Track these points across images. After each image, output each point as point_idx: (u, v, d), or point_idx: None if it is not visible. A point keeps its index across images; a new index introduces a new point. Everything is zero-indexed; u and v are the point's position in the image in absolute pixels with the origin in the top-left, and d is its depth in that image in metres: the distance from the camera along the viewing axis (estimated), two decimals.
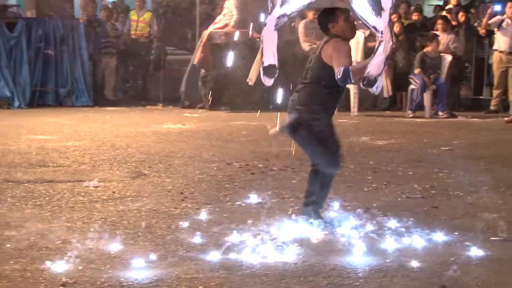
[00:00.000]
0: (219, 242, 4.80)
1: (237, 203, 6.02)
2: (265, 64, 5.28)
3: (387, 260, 4.48)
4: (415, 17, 15.01)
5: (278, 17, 5.27)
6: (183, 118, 12.07)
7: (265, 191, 6.38)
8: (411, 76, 13.23)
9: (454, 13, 14.74)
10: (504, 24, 13.25)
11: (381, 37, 4.94)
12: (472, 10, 15.76)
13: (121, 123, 11.20)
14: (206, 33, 13.91)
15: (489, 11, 13.74)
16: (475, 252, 4.65)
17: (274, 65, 5.25)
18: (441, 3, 18.07)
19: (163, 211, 5.68)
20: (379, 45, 4.95)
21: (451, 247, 4.78)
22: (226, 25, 14.13)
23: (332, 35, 5.25)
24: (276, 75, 5.30)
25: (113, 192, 6.38)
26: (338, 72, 4.96)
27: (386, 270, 4.31)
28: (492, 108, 13.55)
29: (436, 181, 6.85)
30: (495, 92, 13.61)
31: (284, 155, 8.27)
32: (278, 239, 4.85)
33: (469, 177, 6.82)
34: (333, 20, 5.27)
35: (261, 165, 7.75)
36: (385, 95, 11.92)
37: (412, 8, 15.75)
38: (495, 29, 13.40)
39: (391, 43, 4.96)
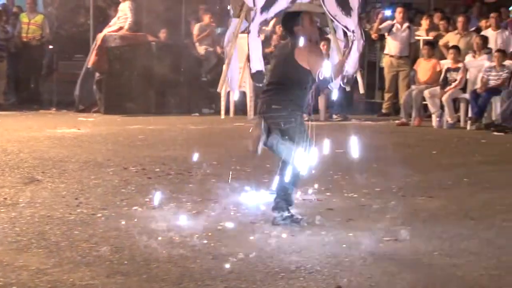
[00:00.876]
0: (116, 248, 4.74)
1: (134, 207, 5.96)
2: (253, 71, 5.36)
3: (283, 262, 4.51)
4: None
5: (260, 23, 5.37)
6: (78, 122, 11.88)
7: (162, 195, 6.34)
8: None
9: None
10: (394, 29, 13.65)
11: (353, 36, 5.18)
12: (363, 15, 16.09)
13: (12, 127, 10.92)
14: (100, 36, 13.72)
15: (380, 16, 14.07)
16: (369, 252, 4.72)
17: (261, 71, 5.35)
18: None
19: (57, 217, 5.57)
20: (352, 44, 5.18)
21: (345, 248, 4.85)
22: (120, 28, 13.98)
23: (298, 38, 5.38)
24: (264, 80, 5.42)
25: (5, 198, 6.22)
26: (320, 74, 5.13)
27: (282, 272, 4.34)
28: (383, 111, 13.86)
29: (331, 183, 6.92)
30: (387, 96, 13.92)
31: (181, 159, 8.28)
32: (176, 243, 4.84)
33: (362, 178, 6.91)
34: (298, 23, 5.42)
35: (158, 169, 7.69)
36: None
37: None
38: (386, 34, 13.76)
39: (362, 41, 5.22)
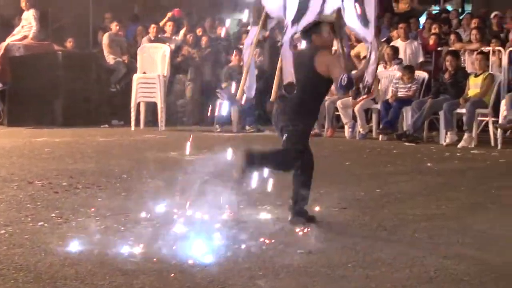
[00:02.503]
0: (20, 265, 4.63)
1: (39, 223, 5.83)
2: (285, 82, 5.58)
3: (195, 278, 4.47)
4: (219, 31, 15.26)
5: (291, 36, 5.62)
6: None
7: (69, 209, 6.25)
8: (218, 91, 13.40)
9: None
10: None
11: (371, 47, 5.52)
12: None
13: None
14: (3, 45, 13.44)
15: None
16: (283, 264, 4.74)
17: (293, 83, 5.56)
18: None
19: None
20: (370, 54, 5.51)
21: (259, 260, 4.85)
22: (25, 37, 13.73)
23: (315, 46, 5.70)
24: (295, 91, 5.63)
25: None
26: (343, 80, 5.37)
27: (193, 287, 4.31)
28: None
29: (245, 195, 6.91)
30: None
31: (90, 172, 8.15)
32: (84, 259, 4.76)
33: (276, 190, 6.92)
34: (317, 32, 5.75)
35: (65, 183, 7.58)
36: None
37: (217, 22, 16.02)
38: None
39: (377, 52, 5.59)
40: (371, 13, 5.56)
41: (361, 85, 5.55)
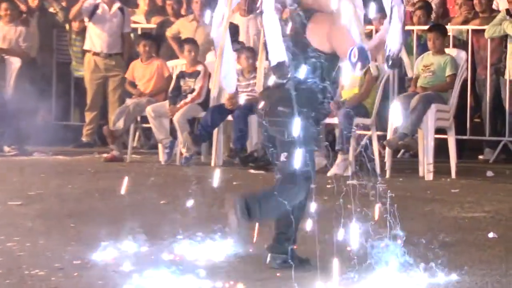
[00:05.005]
0: None
1: None
2: (273, 63, 6.00)
3: None
4: None
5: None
6: None
7: None
8: None
9: None
10: (99, 11, 13.60)
11: (392, 1, 5.78)
12: None
13: None
14: None
15: None
16: None
17: (284, 62, 5.94)
18: None
19: None
20: (391, 11, 5.77)
21: None
22: None
23: (307, 10, 6.04)
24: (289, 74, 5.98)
25: None
26: (353, 53, 5.55)
27: None
28: (84, 139, 13.94)
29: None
30: (89, 116, 13.88)
31: None
32: None
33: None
34: None
35: None
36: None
37: None
38: (86, 19, 13.74)
39: (402, 6, 5.83)
40: None
41: (379, 59, 5.94)
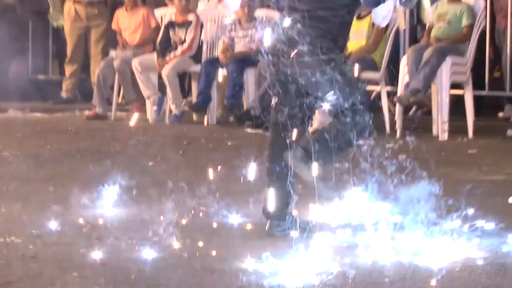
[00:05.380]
0: None
1: None
2: None
3: None
4: None
5: None
6: None
7: None
8: None
9: None
10: None
11: None
12: None
13: None
14: None
15: None
16: None
17: None
18: None
19: None
20: None
21: None
22: None
23: None
24: None
25: None
26: None
27: None
28: (64, 95, 13.95)
29: None
30: (69, 69, 13.88)
31: None
32: None
33: None
34: None
35: None
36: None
37: None
38: None
39: None
40: None
41: None
